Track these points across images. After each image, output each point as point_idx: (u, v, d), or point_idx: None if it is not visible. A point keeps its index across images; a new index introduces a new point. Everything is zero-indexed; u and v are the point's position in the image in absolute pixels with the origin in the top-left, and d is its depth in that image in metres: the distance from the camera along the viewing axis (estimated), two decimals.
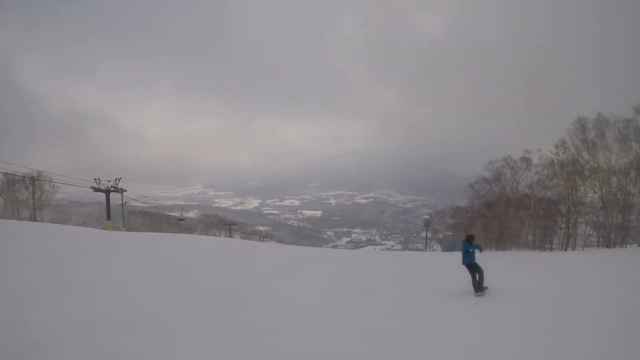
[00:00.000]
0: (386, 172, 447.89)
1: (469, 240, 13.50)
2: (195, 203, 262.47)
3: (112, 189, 38.84)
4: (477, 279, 12.80)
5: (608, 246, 44.30)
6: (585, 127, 48.21)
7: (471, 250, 13.13)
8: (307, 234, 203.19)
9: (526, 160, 54.51)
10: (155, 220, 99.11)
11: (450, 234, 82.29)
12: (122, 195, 43.56)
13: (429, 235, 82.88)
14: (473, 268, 12.92)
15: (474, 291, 12.68)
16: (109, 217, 37.57)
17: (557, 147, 51.18)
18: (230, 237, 73.53)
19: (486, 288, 12.77)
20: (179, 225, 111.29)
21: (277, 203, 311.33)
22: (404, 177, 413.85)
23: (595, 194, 49.64)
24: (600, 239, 49.19)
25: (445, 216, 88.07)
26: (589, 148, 48.37)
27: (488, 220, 58.88)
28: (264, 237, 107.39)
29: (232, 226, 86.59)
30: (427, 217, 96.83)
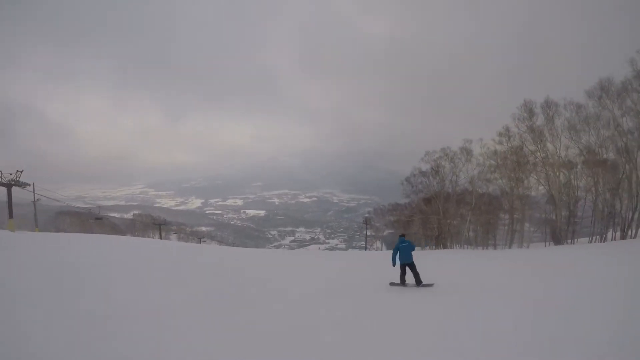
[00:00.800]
0: (329, 171, 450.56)
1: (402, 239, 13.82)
2: (136, 203, 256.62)
3: (14, 182, 34.89)
4: (415, 276, 13.11)
5: (557, 242, 42.79)
6: (533, 111, 44.95)
7: (404, 247, 13.34)
8: (250, 234, 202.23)
9: (466, 151, 50.97)
10: (85, 220, 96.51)
11: (392, 231, 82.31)
12: (34, 192, 40.18)
13: (372, 233, 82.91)
14: (411, 266, 13.18)
15: (399, 283, 13.41)
16: (10, 215, 33.78)
17: (500, 135, 47.72)
18: (161, 238, 69.88)
19: (428, 284, 13.14)
20: (113, 226, 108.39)
21: (219, 203, 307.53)
22: (347, 176, 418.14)
23: (541, 188, 46.92)
24: (547, 235, 47.51)
25: (384, 214, 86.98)
26: (536, 137, 45.20)
27: (427, 217, 56.51)
28: (201, 238, 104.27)
29: (172, 227, 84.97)
30: (370, 210, 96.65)
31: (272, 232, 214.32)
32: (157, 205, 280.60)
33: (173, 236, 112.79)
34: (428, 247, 59.79)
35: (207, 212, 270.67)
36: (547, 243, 45.99)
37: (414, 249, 13.66)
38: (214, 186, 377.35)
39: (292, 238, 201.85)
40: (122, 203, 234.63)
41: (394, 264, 13.57)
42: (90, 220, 63.33)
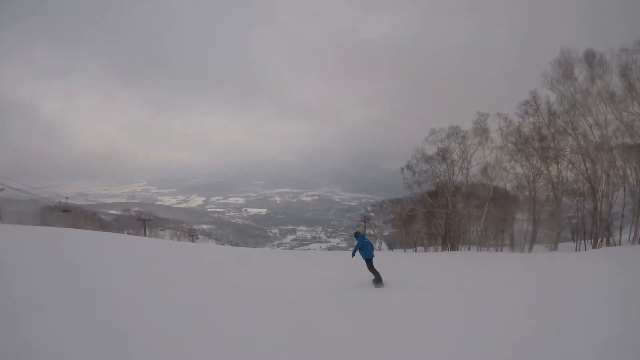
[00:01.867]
0: (331, 170, 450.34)
1: (356, 236, 14.02)
2: (137, 201, 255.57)
3: None
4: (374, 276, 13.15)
5: (595, 245, 34.39)
6: (573, 65, 34.26)
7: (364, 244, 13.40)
8: (251, 232, 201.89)
9: (482, 130, 41.69)
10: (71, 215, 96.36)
11: (395, 230, 79.09)
12: None
13: (374, 232, 79.91)
14: (371, 264, 13.28)
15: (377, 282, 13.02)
16: None
17: (526, 105, 37.70)
18: (145, 234, 68.07)
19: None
20: (102, 222, 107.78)
21: (221, 201, 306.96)
22: (348, 175, 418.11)
23: (578, 173, 36.72)
24: (576, 235, 40.08)
25: (384, 211, 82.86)
26: (580, 100, 34.17)
27: (432, 211, 48.39)
28: (194, 236, 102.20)
29: (170, 225, 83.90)
30: (368, 212, 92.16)
31: (273, 231, 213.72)
32: (158, 203, 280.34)
33: (162, 233, 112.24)
34: (432, 248, 56.06)
35: (208, 210, 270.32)
36: (579, 244, 39.51)
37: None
38: (215, 184, 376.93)
39: (293, 237, 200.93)
40: (124, 200, 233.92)
41: (353, 256, 13.88)
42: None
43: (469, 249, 45.60)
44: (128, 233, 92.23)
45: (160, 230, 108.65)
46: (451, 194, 44.68)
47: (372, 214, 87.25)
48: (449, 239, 44.62)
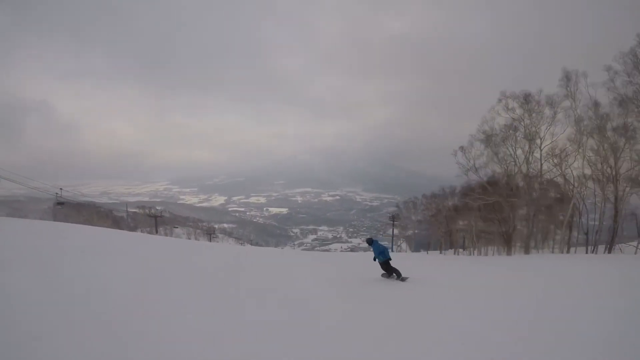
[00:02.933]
0: (352, 170, 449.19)
1: (370, 243, 15.19)
2: (160, 199, 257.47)
3: None
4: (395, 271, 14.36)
5: None
6: None
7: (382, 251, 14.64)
8: (272, 232, 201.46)
9: (570, 95, 34.29)
10: (82, 212, 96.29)
11: (426, 231, 74.89)
12: None
13: (395, 232, 75.61)
14: (389, 263, 14.49)
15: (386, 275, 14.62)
16: None
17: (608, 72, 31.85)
18: (157, 232, 66.94)
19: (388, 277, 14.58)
20: (116, 218, 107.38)
21: (242, 200, 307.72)
22: (369, 174, 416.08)
23: None
24: None
25: (415, 208, 75.11)
26: None
27: (498, 203, 38.09)
28: (211, 234, 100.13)
29: (189, 223, 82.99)
30: (395, 209, 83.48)
31: (294, 230, 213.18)
32: (180, 201, 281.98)
33: (177, 231, 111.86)
34: (491, 250, 50.92)
35: (229, 209, 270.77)
36: None
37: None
38: (237, 183, 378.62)
39: (315, 236, 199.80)
40: (146, 199, 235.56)
41: (375, 259, 14.90)
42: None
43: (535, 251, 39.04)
44: (142, 231, 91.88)
45: (175, 227, 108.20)
46: (522, 183, 38.18)
47: (403, 211, 78.89)
48: (509, 239, 38.51)
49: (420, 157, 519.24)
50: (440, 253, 58.23)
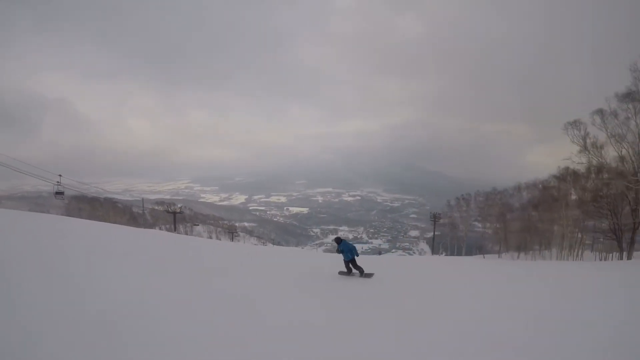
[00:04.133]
0: (373, 170, 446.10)
1: (338, 242, 16.01)
2: (181, 197, 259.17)
3: None
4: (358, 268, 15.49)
5: None
6: None
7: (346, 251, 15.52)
8: (293, 231, 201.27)
9: None
10: (96, 205, 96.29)
11: (478, 231, 70.59)
12: None
13: (416, 234, 73.11)
14: (353, 262, 15.56)
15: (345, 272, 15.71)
16: None
17: None
18: (175, 228, 65.54)
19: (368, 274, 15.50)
20: (134, 214, 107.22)
21: (263, 199, 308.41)
22: (390, 175, 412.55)
23: None
24: None
25: (468, 206, 67.82)
26: None
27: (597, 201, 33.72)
28: (233, 233, 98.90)
29: (209, 221, 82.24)
30: (450, 205, 75.12)
31: (315, 230, 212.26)
32: (201, 200, 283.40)
33: (197, 228, 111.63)
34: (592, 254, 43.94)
35: (250, 208, 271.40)
36: None
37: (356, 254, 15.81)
38: (258, 182, 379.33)
39: (335, 236, 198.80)
40: (167, 197, 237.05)
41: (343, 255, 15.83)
42: (58, 197, 49.67)
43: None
44: (161, 228, 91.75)
45: (195, 225, 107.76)
46: None
47: (454, 208, 72.01)
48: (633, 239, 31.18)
49: (441, 158, 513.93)
50: (499, 257, 52.98)
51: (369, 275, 15.28)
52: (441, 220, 65.59)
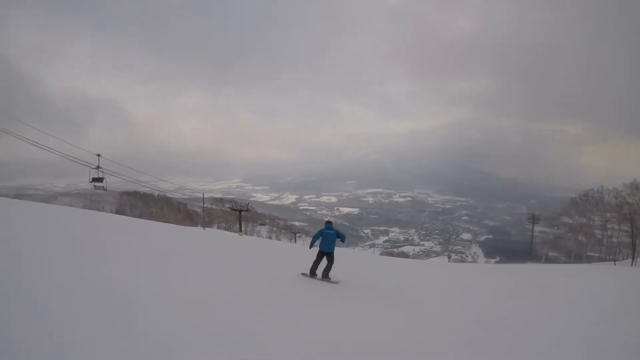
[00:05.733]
0: (424, 171, 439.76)
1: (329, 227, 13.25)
2: (232, 196, 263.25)
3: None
4: (326, 268, 12.80)
5: None
6: None
7: (328, 235, 12.90)
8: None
9: None
10: (149, 201, 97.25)
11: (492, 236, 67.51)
12: None
13: (468, 237, 67.68)
14: (329, 257, 12.82)
15: (308, 274, 12.95)
16: None
17: None
18: (240, 228, 59.34)
19: (334, 281, 12.64)
20: (189, 212, 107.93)
21: (313, 199, 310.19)
22: (441, 176, 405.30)
23: None
24: None
25: (599, 204, 56.15)
26: None
27: None
28: (296, 233, 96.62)
29: (266, 220, 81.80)
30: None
31: (365, 231, 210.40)
32: (252, 199, 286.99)
33: (262, 228, 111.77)
34: None
35: (300, 207, 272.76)
36: None
37: (342, 240, 13.23)
38: (308, 182, 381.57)
39: (386, 238, 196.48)
40: (219, 196, 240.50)
41: (310, 247, 13.92)
42: (90, 182, 35.41)
43: None
44: (219, 227, 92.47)
45: (262, 224, 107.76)
46: None
47: (578, 205, 58.72)
48: None
49: (494, 159, 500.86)
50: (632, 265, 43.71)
51: (334, 282, 12.59)
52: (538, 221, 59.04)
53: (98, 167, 31.45)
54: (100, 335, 5.37)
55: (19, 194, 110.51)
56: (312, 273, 12.91)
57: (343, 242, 13.39)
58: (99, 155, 31.32)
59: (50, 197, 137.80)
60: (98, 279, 8.33)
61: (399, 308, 10.48)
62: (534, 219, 55.40)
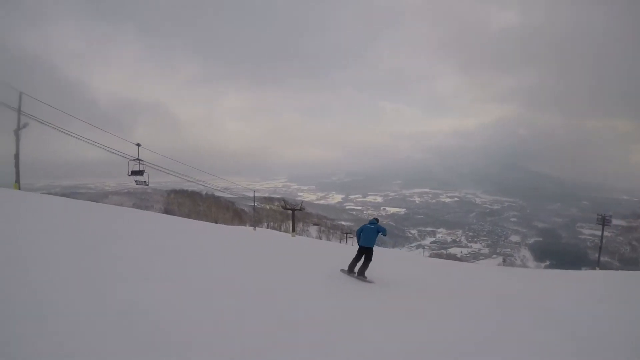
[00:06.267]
0: (470, 170, 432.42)
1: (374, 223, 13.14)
2: (279, 196, 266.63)
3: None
4: (362, 265, 12.46)
5: None
6: None
7: (368, 229, 12.83)
8: (390, 232, 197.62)
9: None
10: (197, 200, 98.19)
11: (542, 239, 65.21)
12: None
13: (517, 239, 64.76)
14: (368, 253, 12.52)
15: (346, 271, 12.76)
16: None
17: None
18: (293, 227, 57.49)
19: (368, 280, 12.16)
20: (238, 211, 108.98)
21: (360, 199, 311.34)
22: (488, 175, 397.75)
23: None
24: None
25: None
26: None
27: None
28: (347, 233, 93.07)
29: (313, 219, 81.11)
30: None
31: (412, 231, 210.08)
32: (299, 198, 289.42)
33: (313, 228, 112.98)
34: None
35: (346, 207, 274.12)
36: None
37: (383, 234, 12.92)
38: (354, 182, 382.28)
39: (433, 239, 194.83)
40: (266, 195, 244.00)
41: (359, 243, 12.94)
42: (130, 176, 31.79)
43: None
44: (268, 226, 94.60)
45: (315, 224, 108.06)
46: None
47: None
48: None
49: (544, 157, 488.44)
50: None
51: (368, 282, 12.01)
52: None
53: (138, 159, 27.87)
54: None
55: (69, 192, 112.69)
56: (350, 270, 12.72)
57: (384, 235, 13.03)
58: (138, 144, 28.17)
59: (101, 196, 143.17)
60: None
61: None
62: (604, 221, 50.89)
